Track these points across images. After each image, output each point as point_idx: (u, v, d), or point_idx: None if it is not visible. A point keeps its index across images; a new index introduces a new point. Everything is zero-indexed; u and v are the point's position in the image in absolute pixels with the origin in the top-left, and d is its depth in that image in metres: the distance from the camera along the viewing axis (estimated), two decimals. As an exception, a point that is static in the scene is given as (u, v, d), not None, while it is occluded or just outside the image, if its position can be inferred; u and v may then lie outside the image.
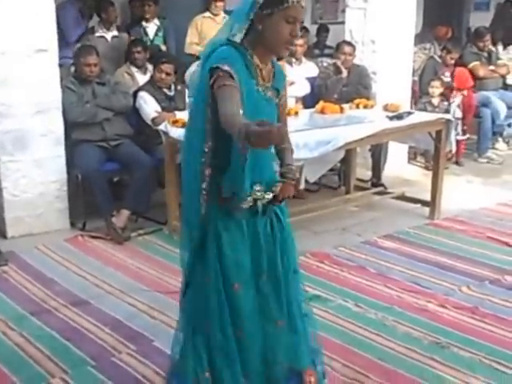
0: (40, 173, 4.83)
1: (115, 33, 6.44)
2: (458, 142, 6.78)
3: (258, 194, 2.42)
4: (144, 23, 6.58)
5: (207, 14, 6.76)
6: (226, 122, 2.14)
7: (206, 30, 6.43)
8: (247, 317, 2.48)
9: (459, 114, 6.75)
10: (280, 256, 2.52)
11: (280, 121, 2.55)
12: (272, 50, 2.37)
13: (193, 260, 2.53)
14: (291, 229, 2.64)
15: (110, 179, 5.14)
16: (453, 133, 5.77)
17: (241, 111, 2.15)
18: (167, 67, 5.17)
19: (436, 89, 6.58)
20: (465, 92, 6.91)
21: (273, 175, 2.53)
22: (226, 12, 6.91)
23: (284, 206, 2.63)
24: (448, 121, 5.30)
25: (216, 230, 2.43)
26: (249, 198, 2.38)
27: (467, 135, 7.01)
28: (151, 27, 6.60)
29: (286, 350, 2.55)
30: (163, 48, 6.54)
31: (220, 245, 2.44)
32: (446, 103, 6.62)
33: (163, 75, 5.14)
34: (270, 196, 2.47)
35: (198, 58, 5.69)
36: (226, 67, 2.21)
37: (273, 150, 2.50)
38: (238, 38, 2.36)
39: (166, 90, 5.22)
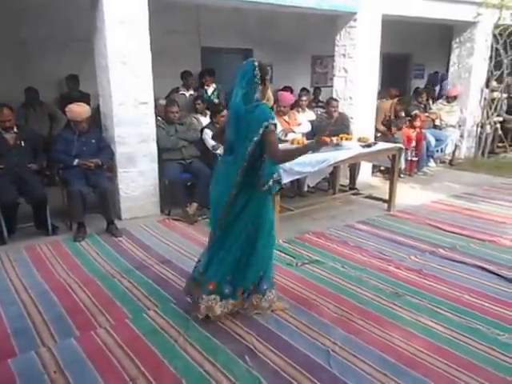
0: (142, 179, 4.73)
1: (192, 92, 6.40)
2: (412, 161, 6.69)
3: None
4: (206, 87, 6.55)
5: None
6: (277, 150, 2.37)
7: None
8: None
9: (413, 143, 6.64)
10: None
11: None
12: None
13: None
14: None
15: (185, 184, 5.00)
16: (402, 155, 5.58)
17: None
18: (222, 114, 5.00)
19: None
20: (418, 130, 6.72)
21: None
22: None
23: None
24: (400, 148, 5.07)
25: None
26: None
27: (418, 157, 6.79)
28: (210, 89, 6.55)
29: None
30: (216, 101, 6.39)
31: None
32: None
33: (220, 119, 4.99)
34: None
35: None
36: (274, 121, 2.37)
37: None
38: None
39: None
